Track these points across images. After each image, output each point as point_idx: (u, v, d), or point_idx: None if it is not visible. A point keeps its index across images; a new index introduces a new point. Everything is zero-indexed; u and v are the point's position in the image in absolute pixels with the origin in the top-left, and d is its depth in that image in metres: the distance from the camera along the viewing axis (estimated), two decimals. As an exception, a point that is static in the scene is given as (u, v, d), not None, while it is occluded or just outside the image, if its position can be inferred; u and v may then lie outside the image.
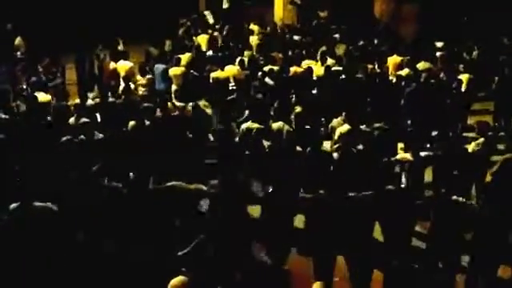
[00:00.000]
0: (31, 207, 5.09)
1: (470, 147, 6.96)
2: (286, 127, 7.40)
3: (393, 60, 10.80)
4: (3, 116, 7.78)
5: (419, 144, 6.96)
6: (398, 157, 6.63)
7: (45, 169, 6.23)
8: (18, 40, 12.34)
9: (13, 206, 5.10)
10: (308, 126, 7.67)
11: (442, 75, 9.97)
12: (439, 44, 11.52)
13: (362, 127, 7.44)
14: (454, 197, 5.19)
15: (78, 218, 5.46)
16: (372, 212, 5.28)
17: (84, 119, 7.49)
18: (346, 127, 7.32)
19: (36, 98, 8.44)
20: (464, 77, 9.56)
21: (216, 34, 13.93)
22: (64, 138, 6.92)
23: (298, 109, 8.17)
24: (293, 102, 8.95)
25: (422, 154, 6.66)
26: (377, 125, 7.53)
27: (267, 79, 9.61)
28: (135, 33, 13.32)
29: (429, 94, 9.08)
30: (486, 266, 5.18)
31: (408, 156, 6.58)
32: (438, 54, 11.19)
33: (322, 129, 8.58)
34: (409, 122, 8.66)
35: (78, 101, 8.52)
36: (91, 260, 5.45)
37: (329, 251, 5.24)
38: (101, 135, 7.10)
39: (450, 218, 5.17)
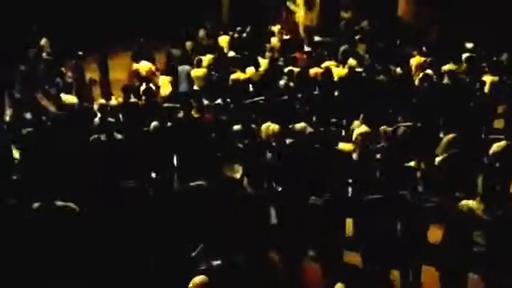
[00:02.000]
0: (53, 206, 5.16)
1: (492, 149, 6.82)
2: (309, 128, 7.43)
3: (416, 60, 10.68)
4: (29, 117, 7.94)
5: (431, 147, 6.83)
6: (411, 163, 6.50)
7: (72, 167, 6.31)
8: (43, 41, 12.56)
9: (36, 204, 5.20)
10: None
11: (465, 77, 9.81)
12: (469, 45, 11.31)
13: (383, 128, 7.42)
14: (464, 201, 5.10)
15: (101, 218, 5.53)
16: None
17: (109, 119, 7.61)
18: (363, 128, 7.31)
19: (61, 99, 8.60)
20: (488, 79, 9.38)
21: (236, 35, 13.99)
22: (91, 138, 7.02)
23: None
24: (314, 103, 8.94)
25: (437, 159, 6.51)
26: (402, 124, 7.48)
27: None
28: (156, 34, 13.43)
29: (448, 95, 8.97)
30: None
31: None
32: (464, 55, 11.00)
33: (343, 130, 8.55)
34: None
35: (102, 101, 8.66)
36: (114, 260, 5.54)
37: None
38: (119, 136, 7.16)
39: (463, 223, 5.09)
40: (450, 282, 5.18)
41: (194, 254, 5.71)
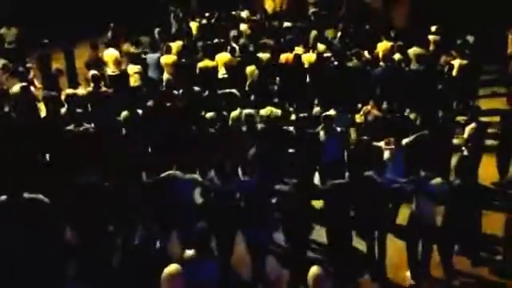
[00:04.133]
0: (21, 199, 5.03)
1: (466, 132, 7.07)
2: (274, 112, 7.50)
3: (383, 46, 10.77)
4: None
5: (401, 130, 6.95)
6: (381, 143, 6.63)
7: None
8: (3, 30, 12.04)
9: (1, 198, 5.06)
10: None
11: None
12: (433, 28, 11.47)
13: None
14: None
15: (69, 211, 5.46)
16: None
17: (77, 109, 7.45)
18: (331, 113, 7.38)
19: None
20: (457, 62, 9.56)
21: (205, 21, 13.83)
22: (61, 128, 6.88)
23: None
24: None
25: (404, 140, 6.67)
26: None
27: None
28: (123, 21, 13.15)
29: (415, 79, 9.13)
30: None
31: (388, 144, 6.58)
32: (430, 37, 11.16)
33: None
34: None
35: (69, 91, 8.45)
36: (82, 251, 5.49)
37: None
38: (88, 125, 7.02)
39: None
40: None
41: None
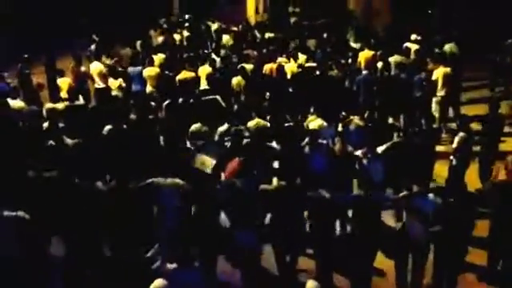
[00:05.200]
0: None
1: (455, 142, 7.11)
2: (262, 123, 7.52)
3: (364, 54, 10.85)
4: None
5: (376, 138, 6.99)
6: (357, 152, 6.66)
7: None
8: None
9: None
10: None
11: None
12: (413, 37, 11.65)
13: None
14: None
15: (54, 222, 5.39)
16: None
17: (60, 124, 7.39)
18: (317, 122, 7.41)
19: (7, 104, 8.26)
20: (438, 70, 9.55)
21: (183, 33, 13.86)
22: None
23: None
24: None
25: (379, 148, 6.68)
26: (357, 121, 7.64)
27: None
28: (105, 34, 13.11)
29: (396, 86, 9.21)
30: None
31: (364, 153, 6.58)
32: (409, 45, 11.29)
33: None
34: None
35: (49, 105, 8.38)
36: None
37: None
38: (69, 140, 6.97)
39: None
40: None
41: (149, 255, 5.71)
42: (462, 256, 5.39)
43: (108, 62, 10.75)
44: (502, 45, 10.94)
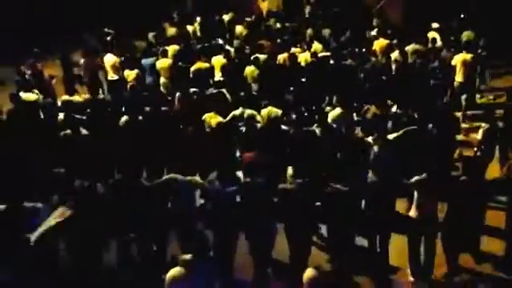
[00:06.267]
0: (20, 209, 5.00)
1: (479, 134, 7.05)
2: (274, 111, 7.49)
3: (379, 43, 10.74)
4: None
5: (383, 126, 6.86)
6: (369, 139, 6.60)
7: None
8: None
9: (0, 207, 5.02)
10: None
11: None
12: (435, 25, 11.49)
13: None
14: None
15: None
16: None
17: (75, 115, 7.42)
18: (337, 111, 7.35)
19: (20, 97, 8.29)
20: (458, 56, 9.43)
21: (195, 25, 13.80)
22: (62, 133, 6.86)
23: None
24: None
25: (390, 136, 6.64)
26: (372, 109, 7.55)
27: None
28: (119, 26, 13.12)
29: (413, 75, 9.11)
30: None
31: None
32: (429, 34, 11.12)
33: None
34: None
35: (65, 97, 8.41)
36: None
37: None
38: (85, 131, 6.99)
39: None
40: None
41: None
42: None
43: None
44: None
